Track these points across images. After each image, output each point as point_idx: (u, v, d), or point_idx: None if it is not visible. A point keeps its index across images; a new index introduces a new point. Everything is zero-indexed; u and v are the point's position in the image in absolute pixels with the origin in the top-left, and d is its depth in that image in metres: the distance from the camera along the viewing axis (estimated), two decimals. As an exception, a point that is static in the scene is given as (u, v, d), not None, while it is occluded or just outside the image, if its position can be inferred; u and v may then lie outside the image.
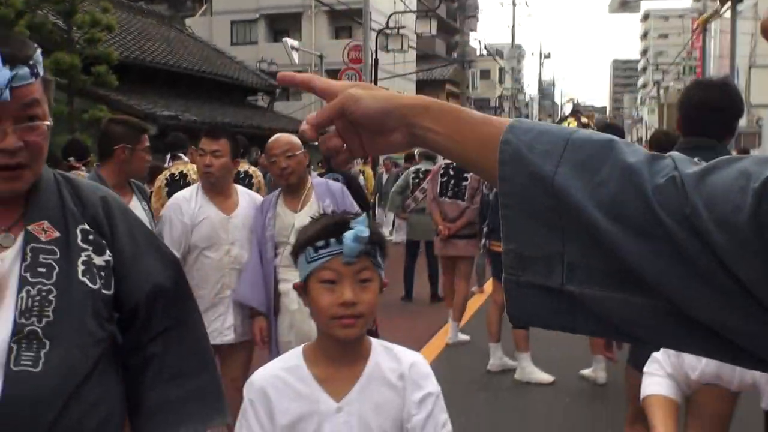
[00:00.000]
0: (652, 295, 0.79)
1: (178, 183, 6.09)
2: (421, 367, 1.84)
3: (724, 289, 0.76)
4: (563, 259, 0.84)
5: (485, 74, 54.00)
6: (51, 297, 1.47)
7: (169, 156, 7.47)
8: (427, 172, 9.07)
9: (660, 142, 4.58)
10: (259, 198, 4.39)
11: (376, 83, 25.71)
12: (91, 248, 1.55)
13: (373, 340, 1.83)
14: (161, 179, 6.32)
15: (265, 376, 1.80)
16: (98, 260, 1.55)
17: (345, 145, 1.00)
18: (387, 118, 0.95)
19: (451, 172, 7.36)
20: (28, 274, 1.46)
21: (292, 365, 1.78)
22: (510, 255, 0.87)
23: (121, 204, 1.71)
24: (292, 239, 3.79)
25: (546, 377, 6.09)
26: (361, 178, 14.94)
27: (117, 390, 1.61)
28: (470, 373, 6.33)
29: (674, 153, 0.85)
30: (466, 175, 7.28)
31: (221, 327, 4.02)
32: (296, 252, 1.78)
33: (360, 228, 1.67)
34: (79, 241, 1.54)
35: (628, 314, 0.82)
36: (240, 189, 4.32)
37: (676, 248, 0.77)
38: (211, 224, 4.00)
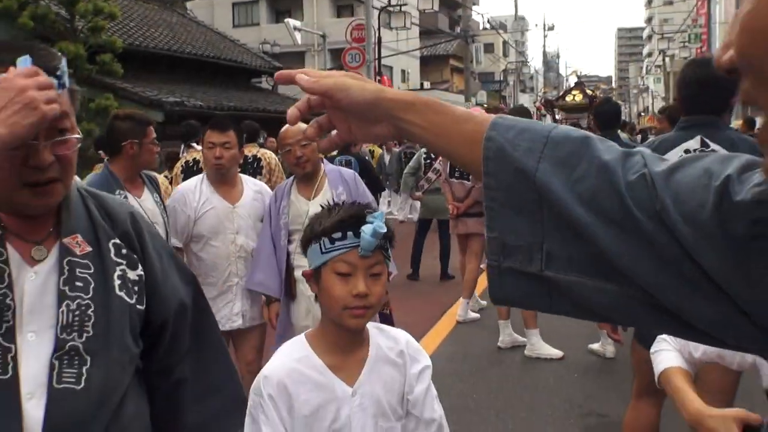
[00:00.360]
0: (624, 282, 0.88)
1: (192, 169, 6.27)
2: (413, 343, 1.97)
3: (689, 277, 0.84)
4: (543, 248, 0.91)
5: (489, 48, 53.68)
6: (90, 312, 1.44)
7: (183, 146, 7.61)
8: (437, 151, 9.18)
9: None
10: (264, 186, 4.49)
11: (379, 61, 25.64)
12: (124, 262, 1.53)
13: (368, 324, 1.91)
14: (178, 167, 6.53)
15: (281, 369, 1.84)
16: (132, 275, 1.54)
17: (333, 131, 1.07)
18: (373, 109, 1.01)
19: None
20: (66, 288, 1.43)
21: (302, 356, 1.85)
22: (493, 243, 0.94)
23: (146, 220, 1.71)
24: (306, 226, 3.91)
25: (555, 352, 6.18)
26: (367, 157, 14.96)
27: (146, 409, 1.60)
28: (481, 350, 6.42)
29: (644, 150, 0.92)
30: None
31: (230, 313, 4.14)
32: (308, 240, 1.84)
33: (378, 224, 1.75)
34: (112, 255, 1.52)
35: (602, 299, 0.90)
36: (245, 178, 4.41)
37: (646, 240, 0.85)
38: (216, 214, 4.11)
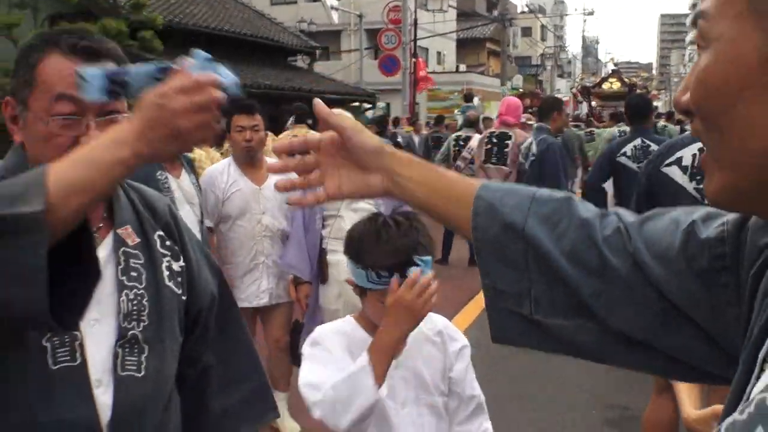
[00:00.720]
0: (603, 321, 0.98)
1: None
2: (450, 325, 2.12)
3: (661, 312, 0.94)
4: (530, 294, 1.01)
5: (526, 32, 53.16)
6: (144, 302, 1.47)
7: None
8: (467, 138, 9.29)
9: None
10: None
11: (415, 43, 25.55)
12: (169, 254, 1.56)
13: None
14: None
15: (332, 329, 2.00)
16: (176, 266, 1.57)
17: (320, 187, 1.14)
18: (376, 158, 1.09)
19: (494, 140, 7.68)
20: (124, 278, 1.46)
21: (349, 329, 2.00)
22: (488, 288, 1.04)
23: (179, 214, 1.72)
24: (342, 213, 4.00)
25: (582, 340, 6.22)
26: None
27: (179, 398, 1.62)
28: (506, 338, 6.48)
29: (619, 210, 1.03)
30: (507, 141, 7.54)
31: (257, 291, 4.30)
32: (354, 258, 1.93)
33: (426, 270, 1.84)
34: (158, 246, 1.55)
35: (584, 337, 1.00)
36: (271, 161, 4.52)
37: (623, 283, 0.95)
38: (243, 195, 4.25)
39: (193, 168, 4.29)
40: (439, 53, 40.00)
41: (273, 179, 4.30)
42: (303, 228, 4.15)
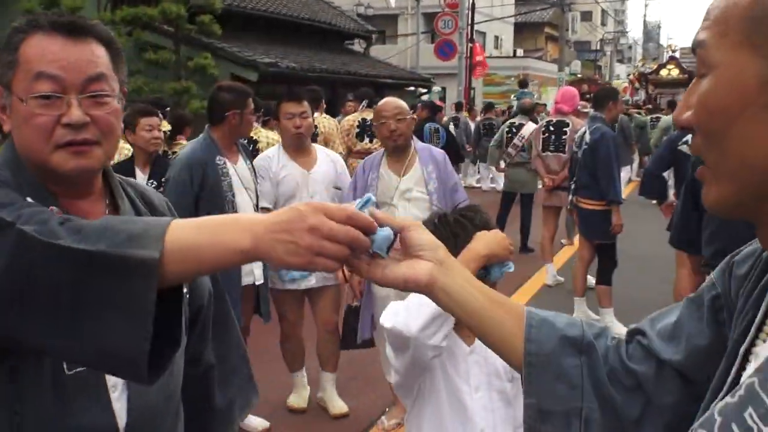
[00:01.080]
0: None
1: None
2: None
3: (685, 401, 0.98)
4: (581, 414, 1.00)
5: (586, 16, 52.38)
6: None
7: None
8: (520, 126, 9.39)
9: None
10: (335, 154, 4.83)
11: (472, 27, 25.44)
12: None
13: None
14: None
15: None
16: None
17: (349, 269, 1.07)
18: (434, 251, 1.05)
19: (552, 129, 7.90)
20: None
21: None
22: (529, 408, 1.04)
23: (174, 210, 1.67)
24: (396, 201, 4.10)
25: (628, 332, 6.24)
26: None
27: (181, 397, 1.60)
28: (554, 325, 6.53)
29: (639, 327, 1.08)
30: (565, 129, 7.71)
31: (304, 272, 4.41)
32: None
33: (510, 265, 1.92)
34: None
35: None
36: (317, 147, 4.74)
37: (654, 386, 1.00)
38: (293, 180, 4.42)
39: (248, 154, 4.44)
40: (496, 37, 39.70)
41: (321, 164, 4.47)
42: (353, 214, 4.26)
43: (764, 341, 0.78)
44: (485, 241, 1.87)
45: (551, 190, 7.86)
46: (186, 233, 1.05)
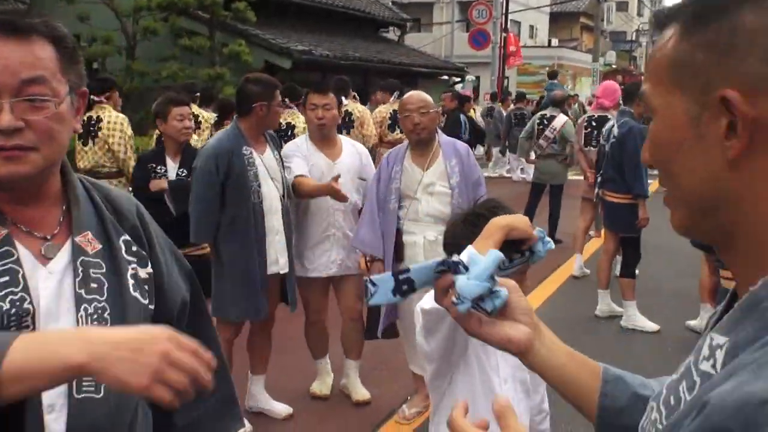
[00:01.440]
0: None
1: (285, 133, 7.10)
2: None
3: None
4: None
5: (622, 6, 51.66)
6: (106, 315, 1.35)
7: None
8: (552, 117, 9.42)
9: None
10: (359, 145, 4.90)
11: (506, 17, 25.30)
12: (135, 260, 1.43)
13: None
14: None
15: None
16: (143, 273, 1.44)
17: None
18: (530, 313, 1.14)
19: (594, 124, 8.08)
20: (82, 291, 1.34)
21: None
22: None
23: (147, 214, 1.58)
24: (419, 195, 4.14)
25: (651, 325, 6.25)
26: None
27: (149, 411, 1.49)
28: (578, 317, 6.58)
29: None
30: (607, 124, 7.78)
31: (327, 261, 4.55)
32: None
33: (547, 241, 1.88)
34: (123, 253, 1.42)
35: None
36: (343, 138, 4.81)
37: None
38: (319, 169, 4.48)
39: (276, 144, 4.52)
40: (531, 27, 39.39)
41: (346, 155, 4.55)
42: (376, 205, 4.31)
43: (717, 333, 0.87)
44: (504, 215, 1.81)
45: (593, 184, 7.91)
46: (21, 355, 1.07)
